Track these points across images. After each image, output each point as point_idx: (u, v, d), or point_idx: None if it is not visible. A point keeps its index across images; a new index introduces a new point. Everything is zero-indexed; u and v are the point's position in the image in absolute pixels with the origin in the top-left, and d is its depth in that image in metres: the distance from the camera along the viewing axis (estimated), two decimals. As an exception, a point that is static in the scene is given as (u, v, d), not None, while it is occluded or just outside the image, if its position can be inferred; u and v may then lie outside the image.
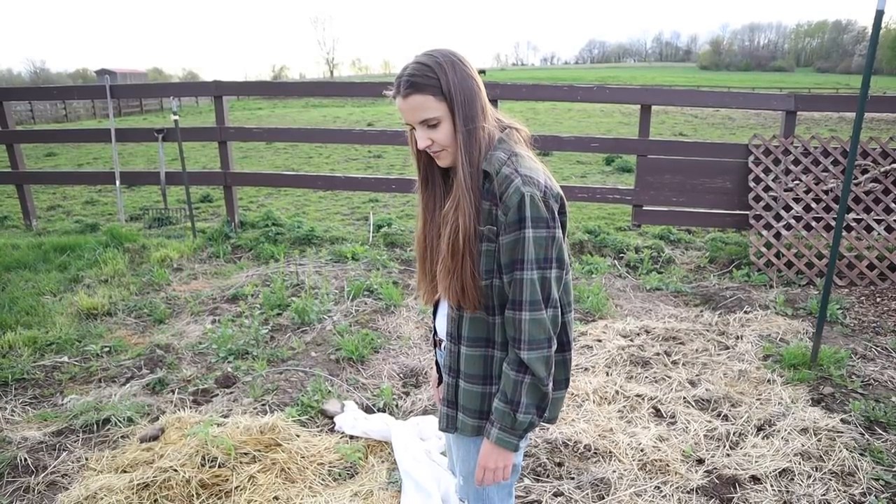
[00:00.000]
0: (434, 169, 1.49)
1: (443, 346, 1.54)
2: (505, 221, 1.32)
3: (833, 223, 4.91)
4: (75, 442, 2.76)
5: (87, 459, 2.63)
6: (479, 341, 1.45)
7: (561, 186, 1.47)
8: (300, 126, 18.20)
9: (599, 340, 3.74)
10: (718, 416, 2.97)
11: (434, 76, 1.31)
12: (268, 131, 6.35)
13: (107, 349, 3.69)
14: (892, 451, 2.66)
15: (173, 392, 3.20)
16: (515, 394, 1.38)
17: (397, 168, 11.15)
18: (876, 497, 2.37)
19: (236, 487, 2.39)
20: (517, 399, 1.38)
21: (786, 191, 5.10)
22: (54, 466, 2.59)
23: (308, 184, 6.78)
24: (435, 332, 1.64)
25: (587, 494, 2.43)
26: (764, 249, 4.96)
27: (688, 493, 2.43)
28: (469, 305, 1.40)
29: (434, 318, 1.63)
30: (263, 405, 3.05)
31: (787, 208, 5.09)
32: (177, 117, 5.97)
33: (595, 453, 2.68)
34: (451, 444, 1.70)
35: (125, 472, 2.48)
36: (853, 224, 4.92)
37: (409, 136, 1.47)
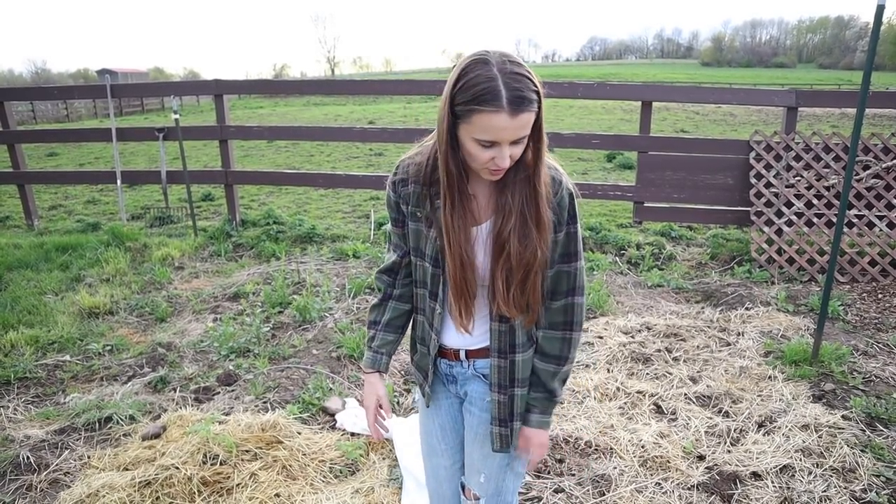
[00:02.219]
0: (460, 188, 1.33)
1: (462, 354, 1.51)
2: (558, 220, 1.35)
3: (835, 219, 4.90)
4: (77, 440, 2.77)
5: (89, 457, 2.64)
6: (531, 341, 1.47)
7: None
8: (301, 124, 18.16)
9: (601, 337, 3.75)
10: (719, 412, 2.97)
11: (536, 87, 1.18)
12: (269, 130, 6.35)
13: (108, 348, 3.70)
14: (894, 447, 2.65)
15: (175, 390, 3.21)
16: (554, 382, 1.47)
17: (398, 166, 11.14)
18: (877, 493, 2.37)
19: (238, 485, 2.40)
20: (554, 387, 1.47)
21: (787, 187, 5.09)
22: (56, 464, 2.60)
23: (309, 182, 6.78)
24: (439, 348, 1.53)
25: (588, 491, 2.43)
26: (765, 246, 4.95)
27: (688, 489, 2.44)
28: (534, 314, 1.40)
29: (439, 334, 1.51)
30: (265, 403, 3.05)
31: (789, 204, 5.08)
32: (178, 116, 5.97)
33: (596, 450, 2.68)
34: (467, 444, 1.63)
35: (127, 469, 2.49)
36: (855, 220, 4.91)
37: (450, 155, 1.26)
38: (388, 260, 1.55)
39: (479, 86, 1.14)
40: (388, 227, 1.54)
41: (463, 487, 1.69)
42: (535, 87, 1.17)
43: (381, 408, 1.58)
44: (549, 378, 1.46)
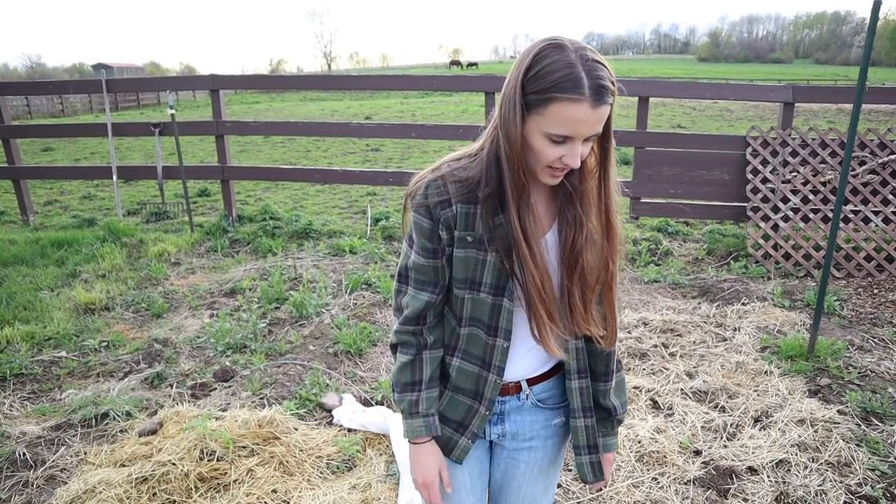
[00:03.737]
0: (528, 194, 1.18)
1: (523, 385, 1.34)
2: None
3: (830, 214, 4.91)
4: (74, 436, 2.77)
5: (85, 454, 2.64)
6: None
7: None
8: (297, 120, 18.14)
9: (597, 333, 3.75)
10: (716, 407, 2.98)
11: (613, 79, 1.05)
12: (265, 125, 6.33)
13: (105, 344, 3.69)
14: (889, 441, 2.67)
15: (171, 386, 3.20)
16: (608, 399, 1.36)
17: (395, 161, 11.14)
18: (872, 487, 2.38)
19: (235, 481, 2.40)
20: (612, 404, 1.36)
21: (783, 182, 5.10)
22: (53, 461, 2.60)
23: (305, 177, 6.76)
24: (495, 383, 1.29)
25: (584, 486, 2.44)
26: (762, 241, 4.96)
27: (685, 484, 2.44)
28: (613, 329, 1.27)
29: (497, 369, 1.28)
30: (262, 399, 3.05)
31: (785, 200, 5.08)
32: (173, 111, 5.95)
33: (593, 445, 2.69)
34: (521, 483, 1.41)
35: (124, 465, 2.49)
36: (851, 215, 4.92)
37: (522, 155, 1.10)
38: (418, 303, 1.26)
39: (559, 72, 1.01)
40: (413, 260, 1.24)
41: None
42: (612, 77, 1.05)
43: (443, 478, 1.35)
44: (603, 396, 1.35)
